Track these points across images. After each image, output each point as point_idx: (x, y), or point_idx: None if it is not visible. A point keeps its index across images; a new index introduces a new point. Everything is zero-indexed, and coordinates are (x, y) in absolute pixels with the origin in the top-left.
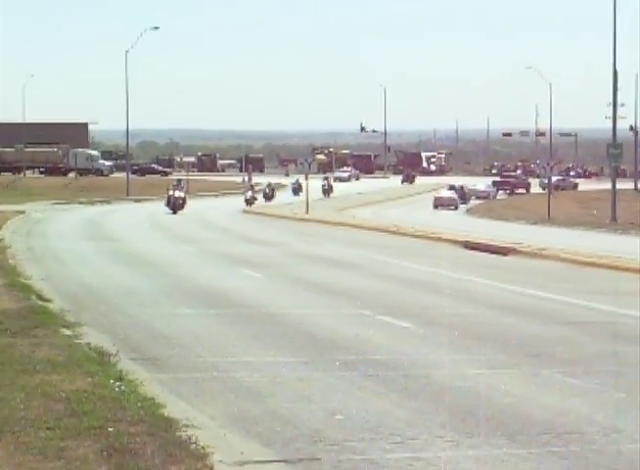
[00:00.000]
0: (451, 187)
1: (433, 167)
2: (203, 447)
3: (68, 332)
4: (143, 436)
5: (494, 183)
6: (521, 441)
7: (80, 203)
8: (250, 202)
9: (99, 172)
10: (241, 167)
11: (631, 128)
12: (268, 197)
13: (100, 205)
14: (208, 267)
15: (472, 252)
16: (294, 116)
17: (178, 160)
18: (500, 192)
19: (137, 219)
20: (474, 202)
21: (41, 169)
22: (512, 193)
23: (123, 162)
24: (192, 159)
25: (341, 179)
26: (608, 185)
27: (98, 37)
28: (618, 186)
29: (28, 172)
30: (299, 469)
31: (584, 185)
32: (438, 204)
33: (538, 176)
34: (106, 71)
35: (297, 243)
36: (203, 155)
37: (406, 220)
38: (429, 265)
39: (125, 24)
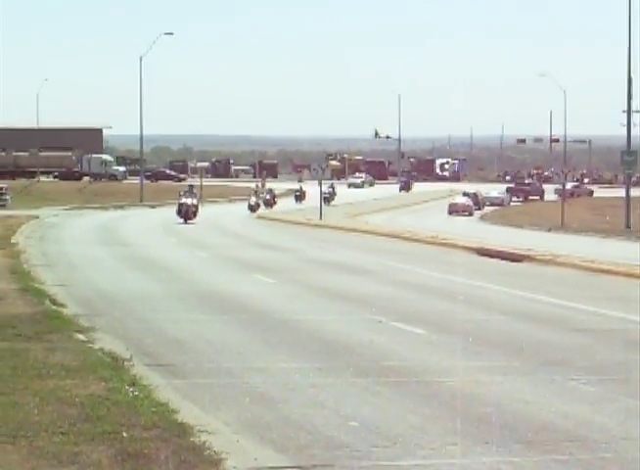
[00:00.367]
0: (465, 194)
1: (446, 174)
2: (216, 453)
3: (81, 337)
4: (157, 441)
5: (508, 190)
6: (534, 448)
7: (94, 208)
8: (254, 208)
9: (113, 177)
10: (254, 173)
11: None
12: (269, 203)
13: (113, 210)
14: (222, 273)
15: (485, 258)
16: (307, 122)
17: (192, 165)
18: (514, 198)
19: (150, 225)
20: (487, 208)
21: (55, 174)
22: (526, 200)
23: (137, 167)
24: (205, 164)
25: (355, 185)
26: (622, 192)
27: (113, 43)
28: (633, 194)
29: (42, 177)
30: None
31: (599, 192)
32: (453, 210)
33: (550, 182)
34: (120, 77)
35: (311, 249)
36: (216, 160)
37: (420, 227)
38: (442, 272)
39: (140, 30)
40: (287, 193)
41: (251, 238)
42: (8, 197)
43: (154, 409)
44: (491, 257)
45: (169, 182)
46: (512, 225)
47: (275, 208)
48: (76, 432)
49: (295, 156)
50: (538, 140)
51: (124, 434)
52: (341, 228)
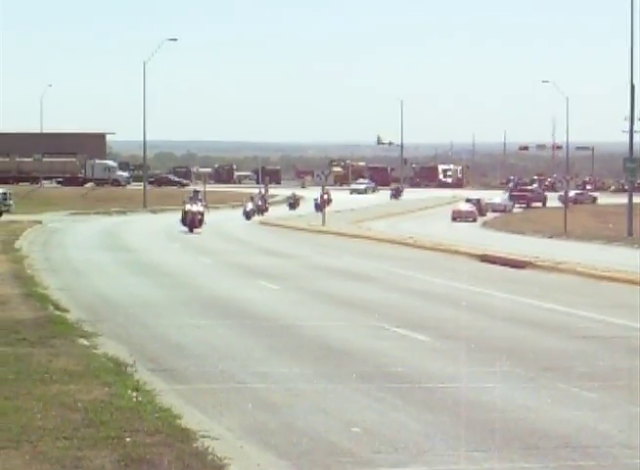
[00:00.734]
0: (468, 200)
1: (449, 180)
2: (219, 459)
3: (85, 342)
4: (160, 446)
5: (511, 196)
6: (537, 454)
7: (97, 213)
8: (249, 215)
9: (116, 183)
10: (257, 179)
11: None
12: (261, 210)
13: (117, 215)
14: (225, 279)
15: (488, 265)
16: (311, 128)
17: (195, 171)
18: (517, 205)
19: (154, 230)
20: (490, 215)
21: (59, 180)
22: (528, 206)
23: (140, 172)
24: (208, 170)
25: (358, 191)
26: (625, 199)
27: (116, 48)
28: (635, 200)
29: (46, 182)
30: None
31: (602, 199)
32: (457, 216)
33: (555, 189)
34: (124, 83)
35: (314, 255)
36: (219, 166)
37: (422, 233)
38: (445, 278)
39: (143, 36)
40: (288, 199)
41: (255, 244)
42: (11, 202)
43: (157, 415)
44: (494, 263)
45: (173, 188)
46: (514, 232)
47: (267, 214)
48: (80, 437)
49: (298, 162)
50: (541, 147)
51: (127, 439)
52: (343, 234)
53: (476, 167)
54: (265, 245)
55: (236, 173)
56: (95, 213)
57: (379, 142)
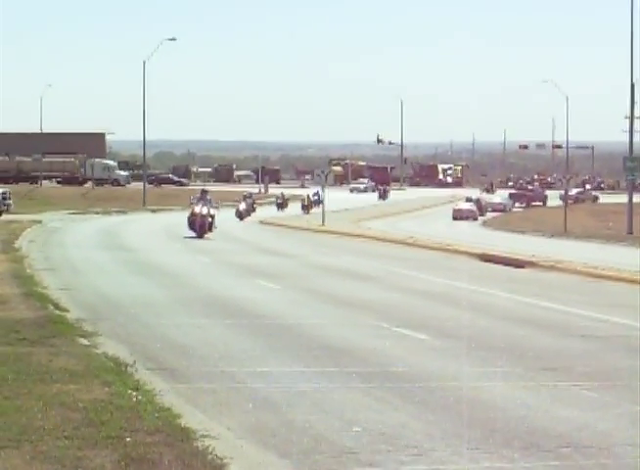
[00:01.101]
0: (468, 199)
1: (449, 180)
2: (220, 458)
3: (85, 342)
4: (160, 446)
5: (511, 196)
6: (537, 454)
7: (97, 213)
8: (242, 215)
9: (116, 182)
10: (257, 178)
11: None
12: (248, 210)
13: (116, 215)
14: (225, 278)
15: (488, 264)
16: (311, 127)
17: (194, 170)
18: (517, 204)
19: (153, 229)
20: (490, 214)
21: (58, 179)
22: (528, 206)
23: (140, 172)
24: (208, 169)
25: (358, 191)
26: (625, 198)
27: (116, 48)
28: (635, 200)
29: (45, 182)
30: None
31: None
32: (457, 216)
33: (550, 188)
34: (123, 82)
35: (314, 254)
36: (219, 165)
37: (422, 232)
38: (445, 278)
39: (143, 36)
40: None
41: (254, 243)
42: (11, 202)
43: (157, 414)
44: (494, 262)
45: (172, 187)
46: (514, 231)
47: (254, 214)
48: (80, 436)
49: (298, 161)
50: (540, 146)
51: (128, 438)
52: (343, 234)
53: (475, 167)
54: (265, 244)
55: (236, 173)
56: (95, 213)
57: (378, 141)
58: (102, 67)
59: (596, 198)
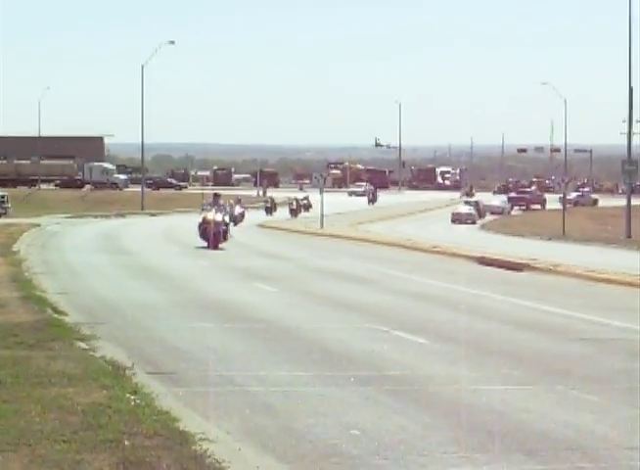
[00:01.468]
0: (467, 203)
1: (447, 183)
2: (218, 462)
3: (83, 345)
4: (158, 449)
5: (509, 199)
6: (536, 457)
7: (95, 216)
8: (236, 220)
9: (114, 186)
10: (255, 182)
11: None
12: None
13: (115, 218)
14: (223, 281)
15: (487, 267)
16: (309, 130)
17: (193, 173)
18: (515, 208)
19: (152, 233)
20: (489, 217)
21: (56, 182)
22: (527, 209)
23: (138, 175)
24: (207, 173)
25: (356, 194)
26: (624, 201)
27: (114, 51)
28: (634, 203)
29: (44, 185)
30: None
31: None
32: (456, 219)
33: (549, 191)
34: (122, 85)
35: (312, 257)
36: (218, 169)
37: (420, 235)
38: (444, 281)
39: (141, 39)
40: (264, 204)
41: (252, 247)
42: (9, 205)
43: (155, 418)
44: (492, 266)
45: (171, 190)
46: (513, 234)
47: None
48: (78, 440)
49: (296, 164)
50: (539, 149)
51: (126, 442)
52: (341, 237)
53: (474, 170)
54: (263, 247)
55: (234, 176)
56: (93, 216)
57: (377, 144)
58: (100, 70)
59: (596, 201)
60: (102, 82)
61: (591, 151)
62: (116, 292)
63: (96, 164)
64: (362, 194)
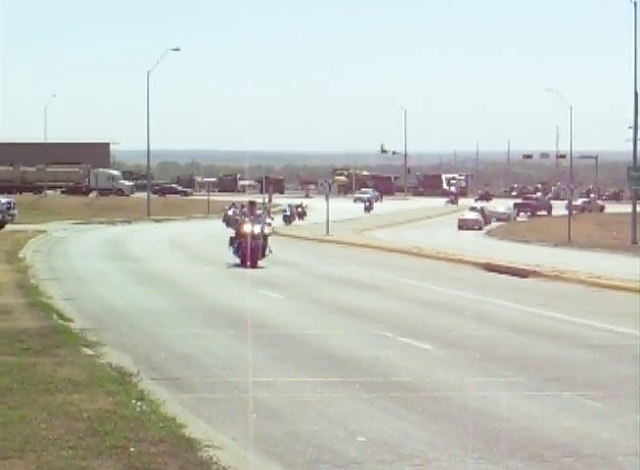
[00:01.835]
0: (472, 209)
1: (453, 189)
2: (224, 468)
3: (89, 351)
4: (164, 456)
5: (516, 205)
6: (542, 463)
7: (101, 222)
8: (230, 222)
9: (120, 192)
10: (261, 188)
11: None
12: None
13: (121, 225)
14: (229, 288)
15: (492, 274)
16: (314, 137)
17: (199, 180)
18: (522, 214)
19: (158, 239)
20: (494, 224)
21: (62, 189)
22: (533, 215)
23: (144, 182)
24: (212, 179)
25: (361, 200)
26: (629, 208)
27: (120, 58)
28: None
29: (50, 192)
30: None
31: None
32: (463, 225)
33: (552, 198)
34: (128, 92)
35: (318, 264)
36: (223, 175)
37: (427, 242)
38: (450, 287)
39: (147, 46)
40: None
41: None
42: (15, 212)
43: (161, 424)
44: (498, 272)
45: (177, 197)
46: (518, 241)
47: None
48: (84, 446)
49: (301, 171)
50: (544, 156)
51: (132, 448)
52: (347, 243)
53: (479, 176)
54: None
55: (240, 183)
56: (99, 223)
57: (382, 151)
58: (106, 77)
59: (602, 207)
60: (108, 89)
61: (597, 157)
62: (122, 298)
63: (102, 170)
64: (368, 201)
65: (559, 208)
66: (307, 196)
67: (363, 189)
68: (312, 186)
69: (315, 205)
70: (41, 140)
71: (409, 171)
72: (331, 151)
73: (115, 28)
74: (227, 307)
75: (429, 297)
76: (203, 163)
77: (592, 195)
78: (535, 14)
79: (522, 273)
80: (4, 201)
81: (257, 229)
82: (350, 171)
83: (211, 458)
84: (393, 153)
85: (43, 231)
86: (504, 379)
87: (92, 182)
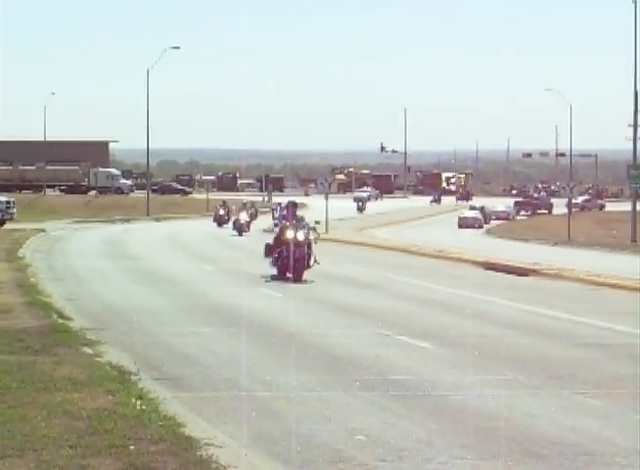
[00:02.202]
0: (472, 208)
1: (452, 188)
2: (223, 467)
3: (88, 350)
4: (164, 454)
5: (516, 204)
6: (541, 462)
7: (100, 221)
8: (220, 222)
9: (119, 191)
10: (260, 187)
11: None
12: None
13: (120, 223)
14: (228, 286)
15: (492, 272)
16: (313, 135)
17: (198, 179)
18: (522, 212)
19: (157, 238)
20: (494, 222)
21: (62, 188)
22: (534, 214)
23: (144, 180)
24: (212, 178)
25: (360, 199)
26: (629, 206)
27: (120, 56)
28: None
29: (49, 191)
30: None
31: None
32: (463, 224)
33: (554, 196)
34: (127, 90)
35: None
36: (223, 174)
37: (426, 241)
38: (449, 286)
39: (146, 44)
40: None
41: (257, 251)
42: (14, 210)
43: (161, 423)
44: (498, 271)
45: (176, 196)
46: (518, 239)
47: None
48: (84, 445)
49: (301, 170)
50: (544, 154)
51: (132, 447)
52: (347, 242)
53: (479, 175)
54: None
55: (239, 181)
56: (98, 222)
57: (382, 150)
58: (105, 75)
59: (602, 206)
60: (107, 88)
61: (596, 156)
62: (122, 297)
63: (101, 169)
64: (367, 199)
65: (559, 206)
66: (307, 194)
67: (363, 188)
68: (312, 185)
69: (314, 203)
70: (40, 139)
71: (409, 170)
72: (330, 149)
73: (115, 27)
74: (226, 306)
75: (428, 295)
76: (202, 161)
77: (590, 192)
78: (535, 14)
79: (521, 272)
80: (3, 199)
81: (301, 235)
82: (350, 170)
83: (211, 457)
84: (393, 151)
85: (42, 230)
86: (503, 377)
87: (91, 181)
